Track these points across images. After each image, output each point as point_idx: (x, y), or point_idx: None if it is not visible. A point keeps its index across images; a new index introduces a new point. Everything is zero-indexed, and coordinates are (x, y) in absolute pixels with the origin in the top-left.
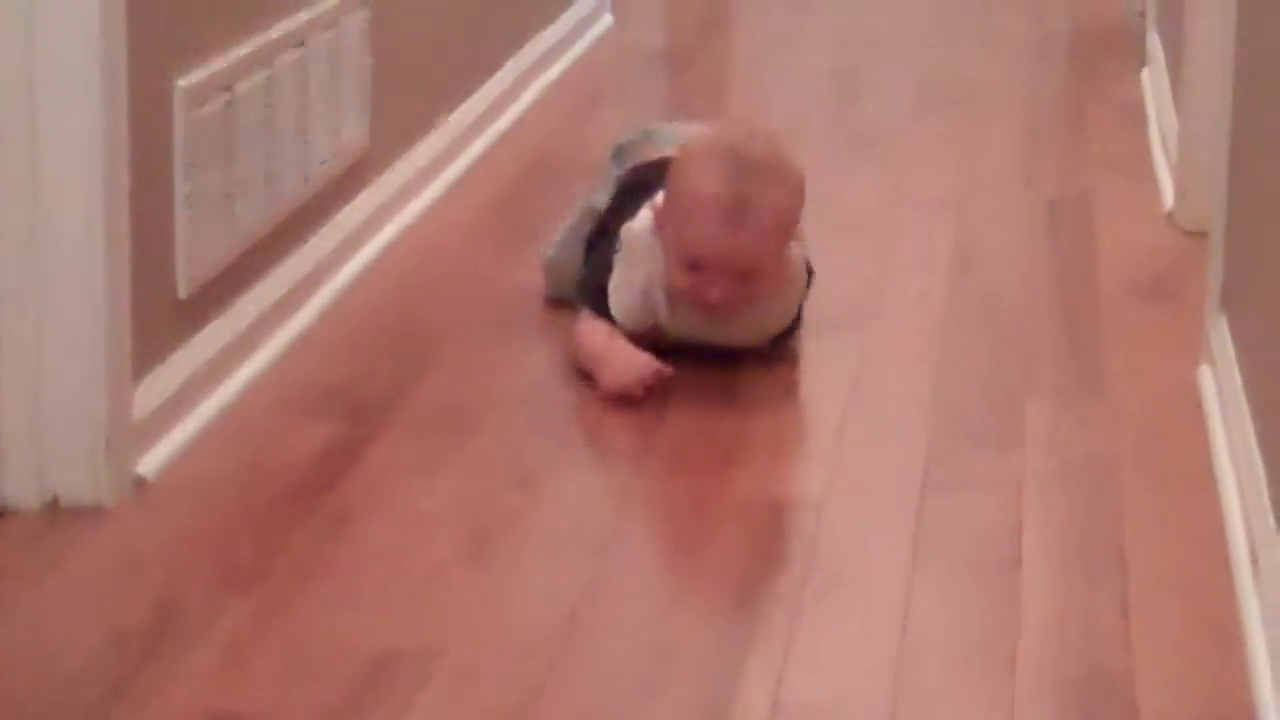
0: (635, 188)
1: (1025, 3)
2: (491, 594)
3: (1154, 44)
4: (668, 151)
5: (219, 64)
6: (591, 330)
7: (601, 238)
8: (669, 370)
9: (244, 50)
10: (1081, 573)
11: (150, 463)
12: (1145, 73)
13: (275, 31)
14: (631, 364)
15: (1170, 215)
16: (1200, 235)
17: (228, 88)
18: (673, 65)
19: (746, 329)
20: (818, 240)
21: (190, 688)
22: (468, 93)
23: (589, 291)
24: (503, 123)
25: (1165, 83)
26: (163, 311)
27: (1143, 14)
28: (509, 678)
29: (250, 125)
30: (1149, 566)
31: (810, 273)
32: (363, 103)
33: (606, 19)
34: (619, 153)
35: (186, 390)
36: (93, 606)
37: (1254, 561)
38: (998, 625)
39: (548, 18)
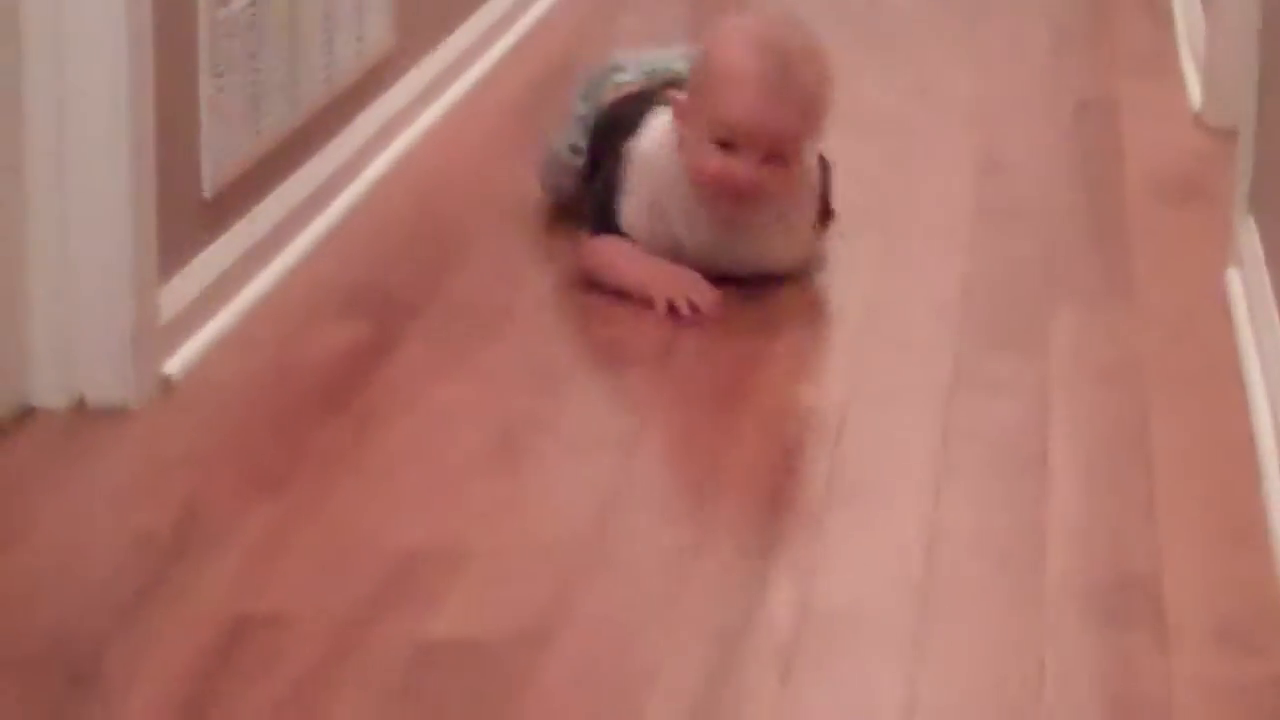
0: (616, 123)
1: None
2: (517, 496)
3: None
4: (640, 83)
5: None
6: (614, 248)
7: (595, 173)
8: (718, 295)
9: None
10: (1108, 477)
11: (176, 363)
12: None
13: None
14: (681, 278)
15: (1198, 115)
16: (1229, 135)
17: None
18: None
19: (765, 242)
20: (839, 143)
21: (218, 589)
22: None
23: (598, 219)
24: (527, 19)
25: None
26: (188, 212)
27: None
28: (535, 580)
29: (275, 25)
30: (1176, 470)
31: (826, 166)
32: (387, 2)
33: None
34: (590, 92)
35: (212, 291)
36: (119, 508)
37: None
38: (1025, 530)
39: None
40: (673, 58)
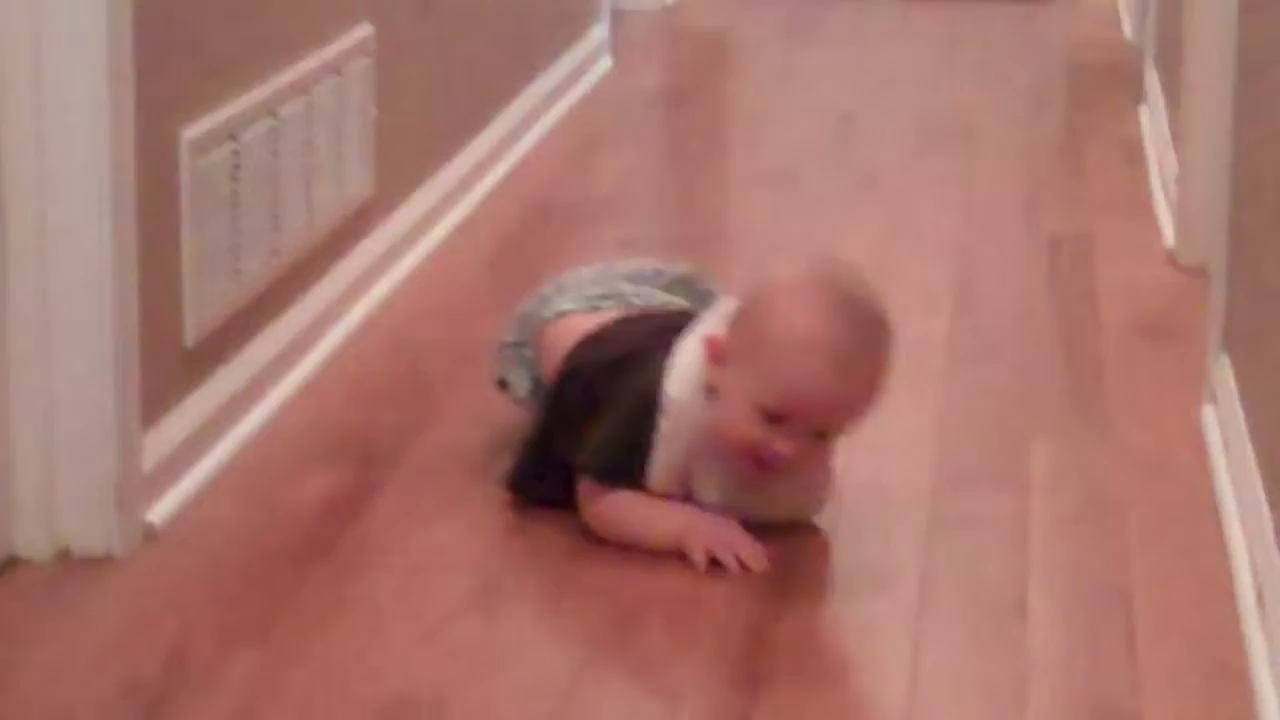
0: (612, 361)
1: (1022, 40)
2: (498, 642)
3: (1152, 81)
4: (584, 310)
5: (224, 113)
6: (631, 504)
7: (583, 412)
8: (761, 549)
9: (249, 99)
10: (1088, 616)
11: (160, 511)
12: (1143, 110)
13: (280, 81)
14: (721, 529)
15: (1171, 253)
16: (1201, 273)
17: (233, 136)
18: (672, 105)
19: (783, 500)
20: None
21: None
22: (468, 138)
23: (610, 472)
24: (504, 167)
25: (1164, 120)
26: (170, 361)
27: (1138, 49)
28: None
29: (255, 174)
30: (1155, 606)
31: None
32: (366, 150)
33: (605, 61)
34: (524, 322)
35: (195, 439)
36: (104, 656)
37: (1260, 600)
38: (1006, 666)
39: (548, 61)
40: (616, 277)
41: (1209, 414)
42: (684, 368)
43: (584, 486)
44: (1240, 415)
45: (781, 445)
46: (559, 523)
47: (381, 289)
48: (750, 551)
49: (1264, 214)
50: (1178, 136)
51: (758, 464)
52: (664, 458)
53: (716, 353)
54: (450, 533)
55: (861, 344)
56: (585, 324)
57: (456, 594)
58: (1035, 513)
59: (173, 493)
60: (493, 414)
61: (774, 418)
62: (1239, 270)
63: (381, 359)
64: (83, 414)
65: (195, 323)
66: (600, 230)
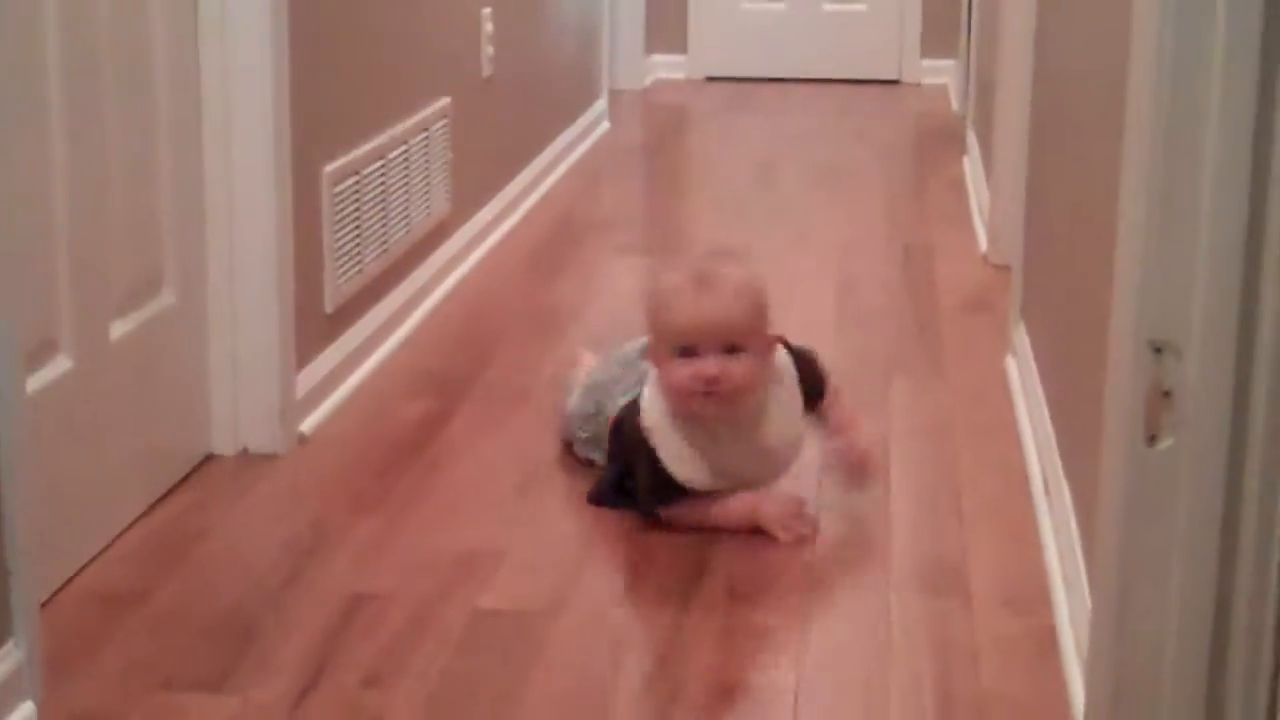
0: (615, 450)
1: (884, 111)
2: (536, 515)
3: (971, 139)
4: (621, 378)
5: (351, 157)
6: (692, 508)
7: (619, 481)
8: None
9: (367, 148)
10: (931, 497)
11: (309, 425)
12: (966, 159)
13: (388, 135)
14: (777, 501)
15: (984, 256)
16: (1005, 269)
17: (357, 172)
18: (649, 155)
19: (767, 426)
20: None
21: (337, 577)
22: (514, 174)
23: (653, 502)
24: (537, 194)
25: (980, 165)
26: (315, 323)
27: (962, 117)
28: (551, 572)
29: (371, 198)
30: (976, 493)
31: (805, 355)
32: (445, 183)
33: (605, 124)
34: (594, 431)
35: (331, 376)
36: (270, 522)
37: (1046, 489)
38: (877, 534)
39: (567, 123)
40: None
41: (1011, 363)
42: (648, 400)
43: (664, 516)
44: (1031, 363)
45: (704, 366)
46: None
47: (455, 277)
48: (805, 519)
49: (1045, 230)
50: (989, 176)
51: (706, 394)
52: (674, 464)
53: (650, 352)
54: (503, 442)
55: (709, 273)
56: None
57: (508, 483)
58: (894, 428)
59: (316, 412)
60: (531, 360)
61: (685, 352)
62: (1029, 266)
63: (456, 323)
64: (258, 357)
65: (332, 297)
66: (602, 239)
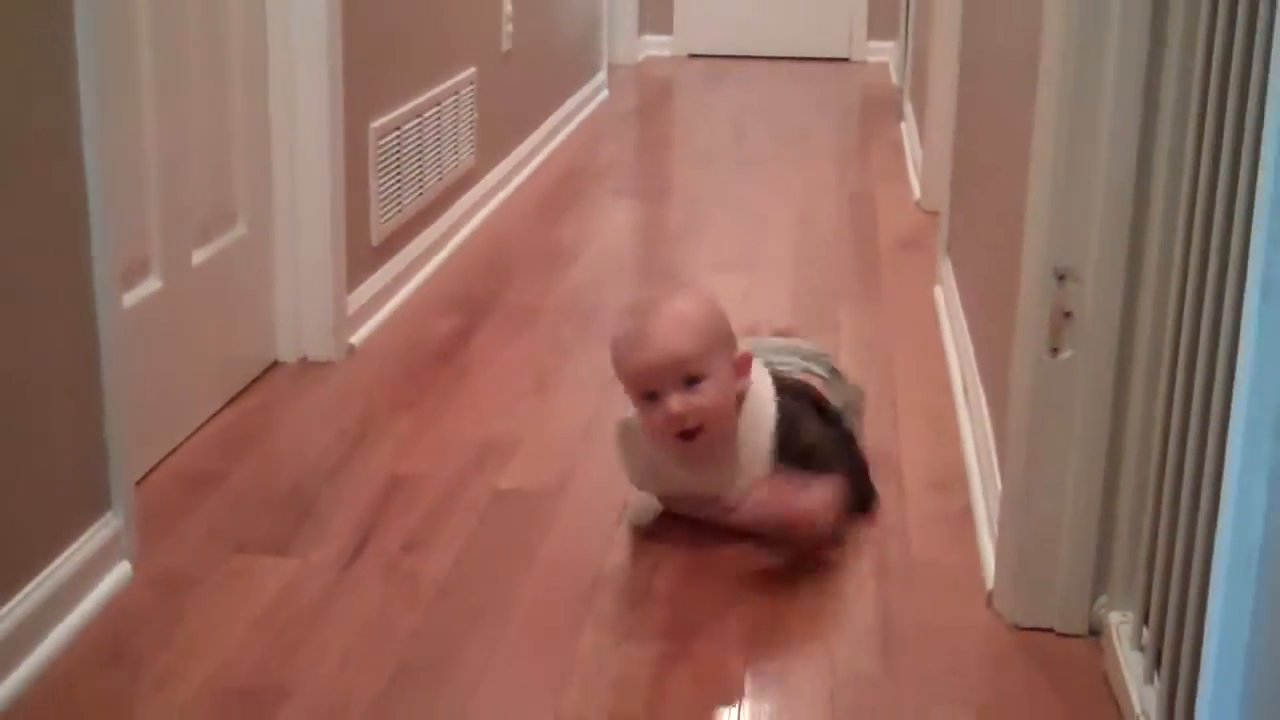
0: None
1: (836, 84)
2: (547, 410)
3: (908, 108)
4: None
5: (393, 114)
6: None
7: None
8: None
9: (406, 107)
10: (871, 400)
11: (358, 337)
12: (903, 125)
13: (424, 97)
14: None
15: (918, 202)
16: (935, 214)
17: (398, 128)
18: (641, 118)
19: (737, 465)
20: (727, 222)
21: (381, 460)
22: (528, 133)
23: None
24: (547, 150)
25: (914, 128)
26: (363, 252)
27: (900, 89)
28: (558, 457)
29: (410, 150)
30: (908, 395)
31: (784, 405)
32: (471, 139)
33: (604, 92)
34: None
35: (376, 297)
36: (325, 418)
37: (965, 392)
38: None
39: (572, 90)
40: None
41: (938, 291)
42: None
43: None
44: (955, 291)
45: (669, 406)
46: (580, 347)
47: (479, 217)
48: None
49: (968, 181)
50: (922, 137)
51: (680, 436)
52: (637, 476)
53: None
54: (520, 351)
55: (647, 315)
56: None
57: (524, 385)
58: (842, 344)
59: (364, 327)
60: (542, 286)
61: (647, 396)
62: (954, 212)
63: (481, 255)
64: (315, 281)
65: (377, 231)
66: (601, 186)
